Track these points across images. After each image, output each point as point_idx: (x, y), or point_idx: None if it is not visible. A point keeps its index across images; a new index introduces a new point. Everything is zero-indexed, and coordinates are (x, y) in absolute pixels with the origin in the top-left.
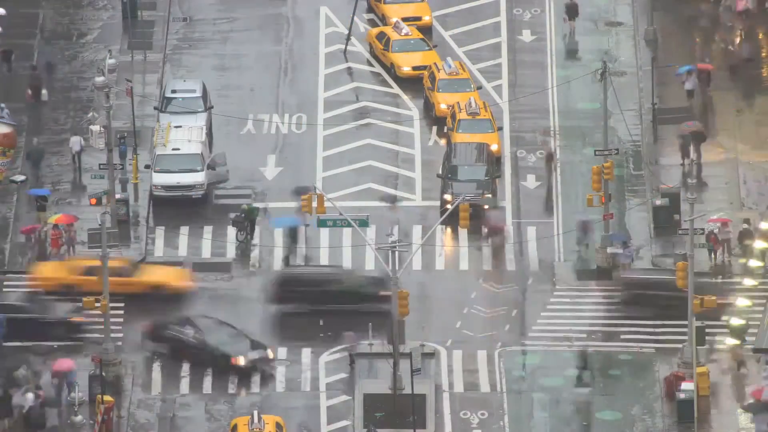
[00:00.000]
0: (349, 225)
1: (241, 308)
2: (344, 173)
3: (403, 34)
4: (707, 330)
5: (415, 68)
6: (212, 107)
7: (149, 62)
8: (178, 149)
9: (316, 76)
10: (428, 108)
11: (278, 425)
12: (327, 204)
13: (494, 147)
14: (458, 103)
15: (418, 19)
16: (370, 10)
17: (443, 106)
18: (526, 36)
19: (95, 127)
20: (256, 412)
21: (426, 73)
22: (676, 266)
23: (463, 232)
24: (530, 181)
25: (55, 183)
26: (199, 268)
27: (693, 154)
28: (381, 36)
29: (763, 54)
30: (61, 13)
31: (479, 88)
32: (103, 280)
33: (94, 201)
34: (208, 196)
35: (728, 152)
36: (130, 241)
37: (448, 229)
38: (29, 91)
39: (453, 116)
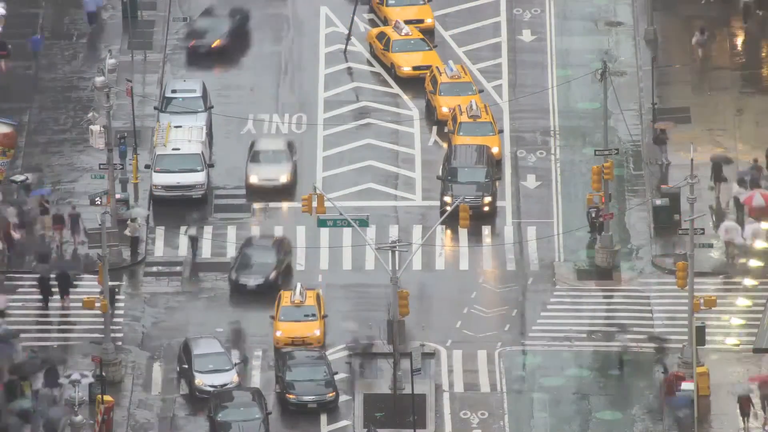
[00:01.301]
0: (349, 225)
1: (240, 308)
2: (344, 173)
3: (403, 34)
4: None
5: (415, 68)
6: (212, 107)
7: (149, 62)
8: (178, 149)
9: (316, 76)
10: (430, 111)
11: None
12: (327, 204)
13: (495, 150)
14: (459, 105)
15: (421, 21)
16: (371, 10)
17: (445, 110)
18: (526, 36)
19: (95, 127)
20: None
21: (428, 76)
22: (676, 266)
23: (463, 232)
24: (530, 181)
25: (55, 183)
26: (199, 268)
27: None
28: (381, 36)
29: None
30: (61, 13)
31: (481, 91)
32: (104, 280)
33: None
34: (208, 196)
35: (728, 152)
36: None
37: (448, 231)
38: None
39: (454, 119)
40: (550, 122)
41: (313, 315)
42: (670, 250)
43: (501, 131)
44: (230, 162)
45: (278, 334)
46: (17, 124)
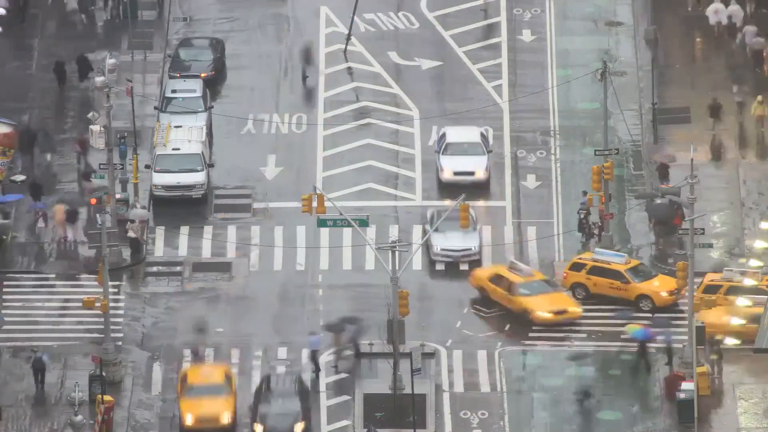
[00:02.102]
0: (349, 225)
1: (241, 308)
2: (344, 173)
3: (524, 275)
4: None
5: (555, 313)
6: (212, 107)
7: (149, 62)
8: (179, 149)
9: (316, 76)
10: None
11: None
12: (327, 204)
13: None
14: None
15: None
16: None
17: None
18: (526, 36)
19: (95, 127)
20: None
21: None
22: (676, 266)
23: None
24: (530, 181)
25: (55, 183)
26: (199, 268)
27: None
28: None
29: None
30: (61, 13)
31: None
32: (104, 280)
33: (94, 201)
34: (208, 195)
35: (728, 152)
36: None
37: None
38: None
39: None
40: (550, 122)
41: None
42: (670, 250)
43: None
44: (230, 162)
45: None
46: (17, 124)
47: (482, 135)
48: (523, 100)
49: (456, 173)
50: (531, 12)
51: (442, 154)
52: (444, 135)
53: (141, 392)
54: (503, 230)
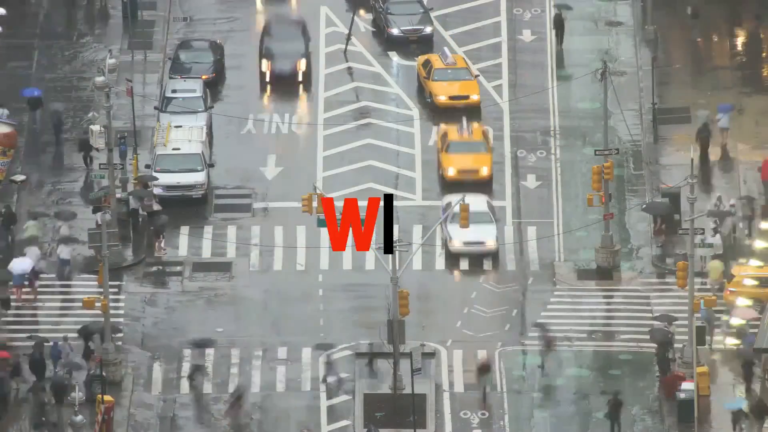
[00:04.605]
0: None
1: (241, 308)
2: (344, 173)
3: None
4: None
5: (452, 98)
6: (212, 107)
7: (149, 62)
8: (179, 149)
9: (317, 75)
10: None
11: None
12: None
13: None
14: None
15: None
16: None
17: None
18: (526, 36)
19: (95, 127)
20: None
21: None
22: (676, 266)
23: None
24: (530, 181)
25: (55, 184)
26: (199, 268)
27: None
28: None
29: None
30: (62, 13)
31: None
32: (103, 280)
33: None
34: (208, 195)
35: (728, 152)
36: (131, 241)
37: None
38: None
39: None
40: (550, 122)
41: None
42: (670, 250)
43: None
44: (230, 162)
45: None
46: (17, 123)
47: (488, 203)
48: (523, 100)
49: (466, 243)
50: (531, 12)
51: (450, 223)
52: (449, 204)
53: (141, 392)
54: (503, 230)
